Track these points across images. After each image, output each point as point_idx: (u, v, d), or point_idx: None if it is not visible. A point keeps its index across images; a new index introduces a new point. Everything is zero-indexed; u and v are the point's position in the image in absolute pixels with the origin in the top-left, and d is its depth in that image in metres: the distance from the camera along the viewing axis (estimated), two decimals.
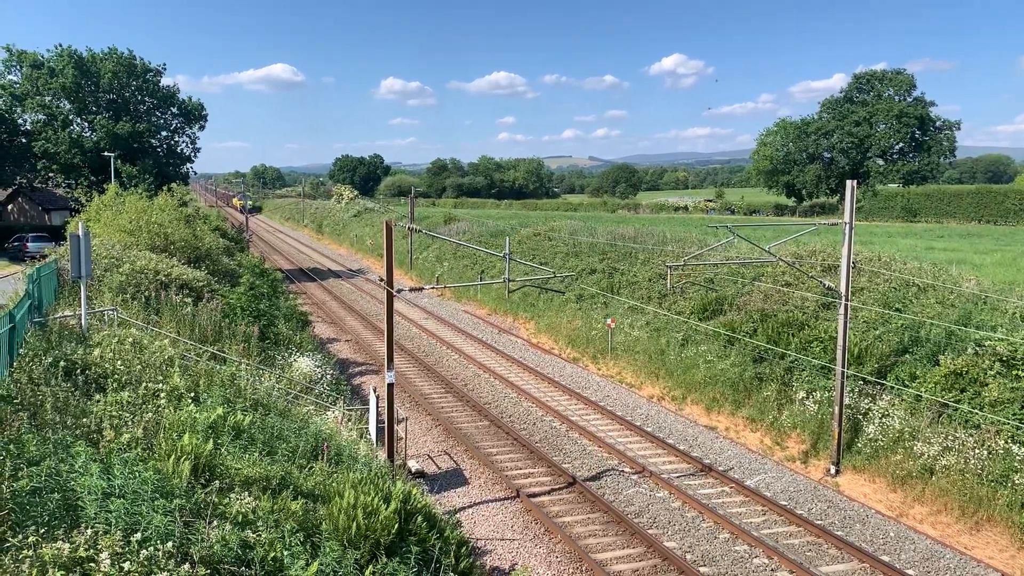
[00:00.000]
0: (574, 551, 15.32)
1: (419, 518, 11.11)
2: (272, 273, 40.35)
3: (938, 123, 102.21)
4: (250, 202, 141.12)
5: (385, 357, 18.12)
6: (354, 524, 9.75)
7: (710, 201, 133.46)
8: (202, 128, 62.73)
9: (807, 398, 21.87)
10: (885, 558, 15.30)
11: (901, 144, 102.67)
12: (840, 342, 19.50)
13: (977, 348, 19.25)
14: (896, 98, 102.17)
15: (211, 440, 10.26)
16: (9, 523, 7.20)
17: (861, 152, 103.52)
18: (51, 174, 58.37)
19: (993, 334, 19.27)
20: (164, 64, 59.83)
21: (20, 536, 6.91)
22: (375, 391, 20.12)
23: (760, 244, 22.18)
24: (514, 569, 14.66)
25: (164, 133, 60.88)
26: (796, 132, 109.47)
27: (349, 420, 19.95)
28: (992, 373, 18.34)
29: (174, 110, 61.12)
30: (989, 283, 24.36)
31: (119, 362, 14.18)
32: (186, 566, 7.15)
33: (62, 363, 12.85)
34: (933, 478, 17.67)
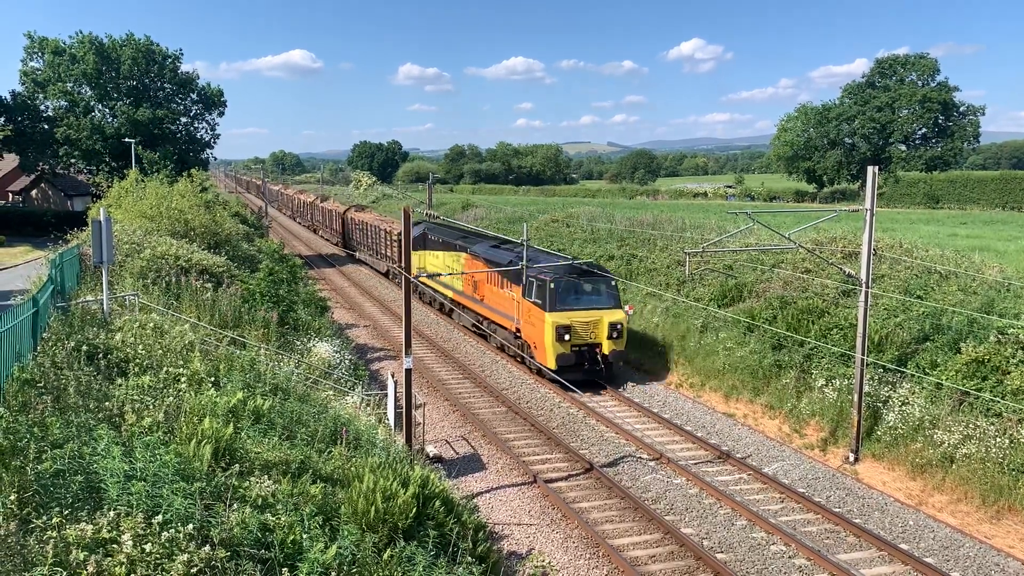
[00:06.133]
0: (591, 537, 15.35)
1: (437, 502, 11.18)
2: (291, 259, 40.50)
3: (962, 108, 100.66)
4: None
5: (403, 343, 18.19)
6: (373, 508, 9.82)
7: (729, 187, 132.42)
8: (221, 114, 62.93)
9: (826, 386, 21.73)
10: (904, 546, 15.22)
11: (924, 130, 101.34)
12: (860, 329, 19.33)
13: (999, 336, 19.00)
14: (919, 83, 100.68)
15: (231, 424, 10.34)
16: (34, 504, 7.31)
17: (883, 138, 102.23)
18: (73, 160, 58.80)
19: (1016, 322, 19.03)
20: (181, 50, 59.90)
21: (44, 517, 7.01)
22: (393, 376, 20.21)
23: (780, 231, 21.98)
24: (531, 554, 14.73)
25: (184, 119, 61.14)
26: (817, 118, 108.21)
27: (367, 405, 20.05)
28: (1015, 361, 18.11)
29: (193, 96, 61.29)
30: (1012, 270, 24.05)
31: (140, 347, 14.31)
32: (206, 548, 7.23)
33: (84, 347, 12.97)
34: (953, 467, 17.52)
